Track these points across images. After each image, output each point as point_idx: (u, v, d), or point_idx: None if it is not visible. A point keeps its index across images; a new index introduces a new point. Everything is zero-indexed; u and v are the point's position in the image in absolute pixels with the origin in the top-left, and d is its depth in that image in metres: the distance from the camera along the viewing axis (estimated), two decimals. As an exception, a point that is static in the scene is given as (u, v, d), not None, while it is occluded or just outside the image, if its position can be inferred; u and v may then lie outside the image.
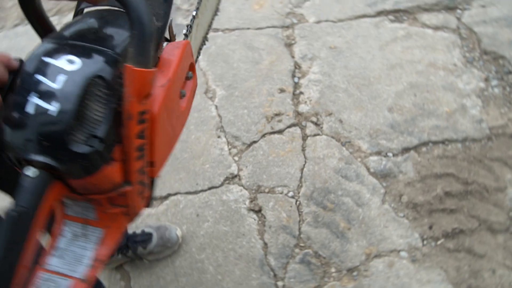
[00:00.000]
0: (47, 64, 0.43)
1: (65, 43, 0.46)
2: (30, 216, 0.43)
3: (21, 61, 0.47)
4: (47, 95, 0.42)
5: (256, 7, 2.10)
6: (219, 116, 1.70)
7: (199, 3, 0.73)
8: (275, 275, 1.32)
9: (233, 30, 2.01)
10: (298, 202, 1.45)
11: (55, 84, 0.42)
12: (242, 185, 1.51)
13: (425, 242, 1.33)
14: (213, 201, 1.49)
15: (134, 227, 1.41)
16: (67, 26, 0.50)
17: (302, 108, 1.67)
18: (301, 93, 1.72)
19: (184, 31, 0.67)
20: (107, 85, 0.45)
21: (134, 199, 0.53)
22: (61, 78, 0.43)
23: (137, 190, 0.53)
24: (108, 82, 0.44)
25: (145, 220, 1.48)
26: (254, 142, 1.61)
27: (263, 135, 1.62)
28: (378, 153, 1.51)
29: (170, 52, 0.55)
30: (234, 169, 1.55)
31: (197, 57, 0.77)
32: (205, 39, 0.81)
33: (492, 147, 1.49)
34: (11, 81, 0.45)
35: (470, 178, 1.43)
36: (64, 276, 0.51)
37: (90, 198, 0.51)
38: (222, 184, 1.52)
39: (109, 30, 0.50)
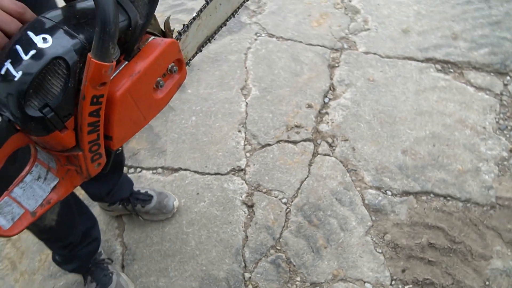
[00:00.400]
0: (28, 37, 0.51)
1: (51, 22, 0.53)
2: None
3: None
4: (17, 63, 0.49)
5: (314, 24, 2.20)
6: (246, 113, 1.83)
7: (204, 6, 0.79)
8: (245, 266, 1.42)
9: (287, 40, 2.14)
10: (288, 210, 1.54)
11: (25, 55, 0.49)
12: (244, 180, 1.63)
13: (393, 282, 1.37)
14: (215, 185, 1.62)
15: (140, 187, 1.58)
16: (67, 6, 0.57)
17: (323, 127, 1.76)
18: (327, 113, 1.80)
19: (179, 29, 0.75)
20: (67, 67, 0.51)
21: (87, 164, 0.61)
22: (31, 52, 0.50)
23: (89, 157, 0.60)
24: (68, 64, 0.51)
25: (152, 184, 1.65)
26: (269, 145, 1.72)
27: (278, 141, 1.72)
28: (378, 188, 1.56)
29: (152, 46, 0.61)
30: (242, 163, 1.67)
31: (196, 53, 0.84)
32: (211, 38, 0.86)
33: (492, 215, 1.48)
34: None
35: (459, 238, 1.44)
36: (20, 205, 0.62)
37: (51, 152, 0.60)
38: (227, 173, 1.65)
39: (93, 21, 0.54)
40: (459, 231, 1.45)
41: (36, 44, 0.50)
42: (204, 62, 2.07)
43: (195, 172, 1.67)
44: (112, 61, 0.51)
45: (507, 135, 1.67)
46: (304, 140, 1.72)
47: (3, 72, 0.49)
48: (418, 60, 1.96)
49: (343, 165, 1.64)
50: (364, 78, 1.91)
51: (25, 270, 1.53)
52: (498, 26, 2.04)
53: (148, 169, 1.71)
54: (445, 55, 1.95)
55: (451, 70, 1.91)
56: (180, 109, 1.88)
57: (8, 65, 0.49)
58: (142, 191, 1.54)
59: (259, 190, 1.60)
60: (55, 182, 0.63)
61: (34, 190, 0.63)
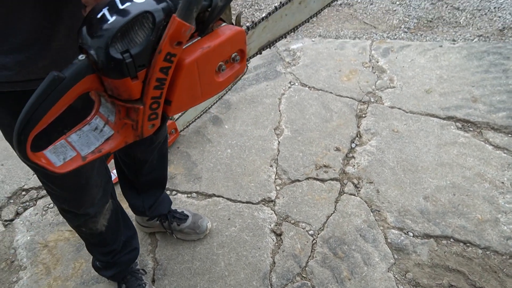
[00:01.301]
0: None
1: None
2: (66, 84, 0.58)
3: None
4: (113, 10, 0.57)
5: (344, 79, 2.41)
6: (278, 150, 1.97)
7: (273, 11, 0.88)
8: (271, 290, 1.48)
9: (318, 90, 2.33)
10: (314, 241, 1.62)
11: (121, 5, 0.57)
12: (274, 210, 1.73)
13: (414, 320, 1.41)
14: (246, 213, 1.72)
15: (178, 207, 1.69)
16: None
17: (349, 169, 1.88)
18: (353, 157, 1.93)
19: (248, 24, 0.84)
20: (153, 21, 0.57)
21: (143, 120, 0.65)
22: (127, 4, 0.57)
23: (148, 114, 0.65)
24: (155, 20, 0.57)
25: (187, 207, 1.75)
26: (298, 180, 1.84)
27: (307, 178, 1.84)
28: (400, 229, 1.65)
29: (224, 30, 0.67)
30: (273, 195, 1.78)
31: (256, 53, 0.91)
32: (271, 43, 0.93)
33: (511, 264, 1.54)
34: None
35: (479, 283, 1.49)
36: (73, 149, 0.67)
37: (115, 102, 0.65)
38: (258, 203, 1.76)
39: None
40: (479, 276, 1.51)
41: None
42: (241, 103, 2.25)
43: (227, 199, 1.78)
44: (192, 24, 0.57)
45: (525, 192, 1.76)
46: (332, 179, 1.84)
47: (99, 16, 0.57)
48: (439, 117, 2.11)
49: (368, 205, 1.73)
50: (389, 129, 2.06)
51: (58, 276, 1.61)
52: (515, 94, 2.20)
53: (183, 192, 1.83)
54: (465, 115, 2.10)
55: (471, 129, 2.05)
56: (217, 141, 2.03)
57: (105, 11, 0.57)
58: (179, 210, 1.65)
59: (287, 221, 1.69)
60: (110, 134, 0.68)
61: (89, 139, 0.68)
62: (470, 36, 2.72)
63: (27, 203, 1.92)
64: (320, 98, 2.26)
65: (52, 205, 1.89)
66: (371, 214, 1.70)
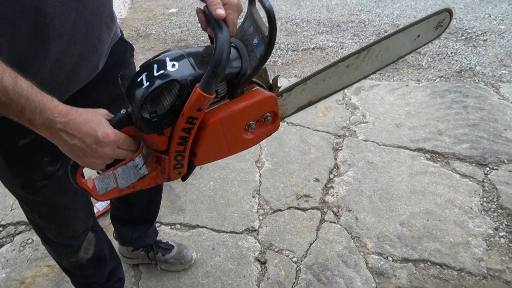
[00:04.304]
0: (164, 61, 0.68)
1: (183, 55, 0.69)
2: None
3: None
4: (149, 77, 0.66)
5: (320, 115, 2.54)
6: (260, 182, 2.04)
7: (313, 74, 0.89)
8: (257, 318, 1.49)
9: (296, 125, 2.44)
10: (298, 268, 1.65)
11: (156, 72, 0.66)
12: (257, 239, 1.77)
13: None
14: (230, 242, 1.75)
15: (163, 238, 1.70)
16: (199, 47, 0.73)
17: (329, 198, 1.96)
18: (332, 187, 2.02)
19: (284, 87, 0.86)
20: (180, 88, 0.65)
21: (170, 168, 0.74)
22: (161, 72, 0.66)
23: (173, 163, 0.73)
24: (182, 87, 0.65)
25: (172, 238, 1.76)
26: (280, 210, 1.89)
27: (289, 208, 1.90)
28: (380, 254, 1.71)
29: (253, 94, 0.72)
30: (256, 224, 1.82)
31: (294, 112, 0.93)
32: (313, 103, 0.93)
33: (485, 285, 1.61)
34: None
35: (456, 303, 1.55)
36: (115, 181, 0.78)
37: (149, 149, 0.75)
38: (242, 232, 1.79)
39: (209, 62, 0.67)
40: (456, 297, 1.57)
41: (166, 67, 0.67)
42: (223, 137, 2.32)
43: (211, 229, 1.81)
44: (212, 94, 0.64)
45: (491, 216, 1.88)
46: (312, 208, 1.90)
47: (139, 79, 0.67)
48: (410, 149, 2.25)
49: (348, 232, 1.80)
50: (364, 161, 2.17)
51: (37, 313, 1.56)
52: (476, 128, 2.38)
53: (167, 224, 1.84)
54: (433, 147, 2.25)
55: (439, 159, 2.19)
56: (200, 174, 2.08)
57: (143, 76, 0.67)
58: (164, 240, 1.66)
59: (271, 249, 1.73)
60: (144, 174, 0.78)
61: (129, 174, 0.79)
62: (432, 77, 2.96)
63: (4, 239, 1.88)
64: (298, 133, 2.37)
65: (30, 240, 1.85)
66: (352, 240, 1.76)
